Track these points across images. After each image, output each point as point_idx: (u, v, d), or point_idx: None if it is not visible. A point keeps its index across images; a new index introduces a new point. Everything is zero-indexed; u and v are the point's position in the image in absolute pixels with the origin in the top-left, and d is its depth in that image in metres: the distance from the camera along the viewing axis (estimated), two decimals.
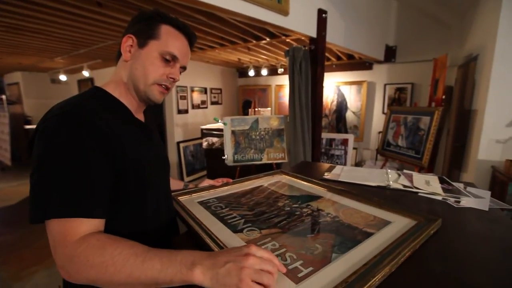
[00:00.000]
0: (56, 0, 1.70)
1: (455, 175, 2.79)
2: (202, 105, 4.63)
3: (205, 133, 3.88)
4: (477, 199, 0.86)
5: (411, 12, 3.58)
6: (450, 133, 3.05)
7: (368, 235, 0.61)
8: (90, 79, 5.12)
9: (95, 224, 0.51)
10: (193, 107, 4.44)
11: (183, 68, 0.71)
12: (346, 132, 4.21)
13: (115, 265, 0.44)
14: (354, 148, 4.03)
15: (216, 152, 3.43)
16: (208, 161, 3.76)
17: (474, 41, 2.65)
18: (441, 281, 0.48)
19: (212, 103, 4.89)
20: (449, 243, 0.60)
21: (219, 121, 2.54)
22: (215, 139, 3.56)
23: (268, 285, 0.41)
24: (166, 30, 0.65)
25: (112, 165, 0.57)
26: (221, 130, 3.50)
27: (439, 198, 0.88)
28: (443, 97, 3.04)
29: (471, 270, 0.51)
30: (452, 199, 0.86)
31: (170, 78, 0.67)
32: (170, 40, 0.66)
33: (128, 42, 0.65)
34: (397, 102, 3.84)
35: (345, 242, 0.59)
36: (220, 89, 5.07)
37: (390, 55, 3.76)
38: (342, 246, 0.57)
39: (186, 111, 4.30)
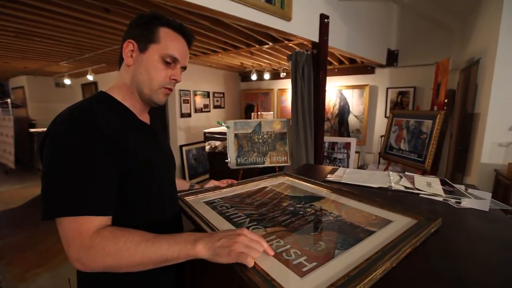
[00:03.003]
0: (65, 6, 1.75)
1: (458, 179, 2.79)
2: (205, 109, 4.67)
3: (208, 137, 3.91)
4: (478, 200, 0.87)
5: (413, 16, 3.62)
6: (453, 136, 3.05)
7: (370, 233, 0.63)
8: (94, 83, 5.19)
9: (105, 220, 0.56)
10: (196, 111, 4.48)
11: (183, 68, 0.74)
12: (348, 135, 4.22)
13: (129, 250, 0.51)
14: (356, 152, 4.04)
15: (219, 156, 3.46)
16: (211, 164, 3.78)
17: (476, 44, 2.67)
18: (441, 276, 0.49)
19: (215, 107, 4.93)
20: (449, 241, 0.62)
21: (223, 124, 2.57)
22: (218, 143, 3.59)
23: (253, 258, 0.49)
24: (165, 33, 0.67)
25: (118, 166, 0.60)
26: (224, 133, 3.53)
27: (440, 199, 0.90)
28: (446, 100, 3.05)
29: (470, 267, 0.53)
30: (453, 200, 0.88)
31: (173, 79, 0.70)
32: (170, 42, 0.68)
33: (129, 47, 0.67)
34: (399, 106, 3.85)
35: (347, 240, 0.60)
36: (223, 93, 5.11)
37: (392, 59, 3.79)
38: (344, 243, 0.59)
39: (189, 115, 4.34)
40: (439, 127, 2.37)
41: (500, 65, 2.03)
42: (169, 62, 0.68)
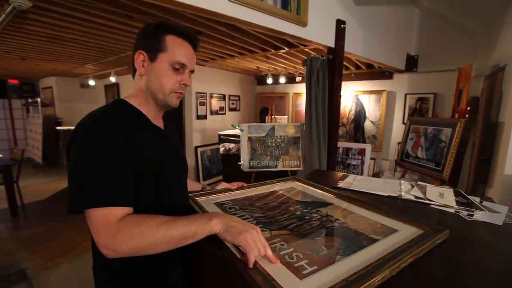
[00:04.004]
0: (92, 14, 1.87)
1: (480, 190, 2.67)
2: (220, 111, 4.75)
3: (223, 139, 3.98)
4: (492, 214, 0.85)
5: (435, 20, 3.51)
6: (475, 146, 2.92)
7: (374, 241, 0.64)
8: (116, 85, 5.43)
9: (127, 210, 0.63)
10: (212, 113, 4.57)
11: (191, 71, 0.78)
12: (364, 141, 4.14)
13: (152, 231, 0.57)
14: (372, 159, 3.96)
15: (233, 158, 3.51)
16: (224, 166, 3.83)
17: (502, 50, 2.56)
18: (441, 286, 0.49)
19: (230, 109, 5.00)
20: (454, 253, 0.61)
21: (237, 127, 2.61)
22: (232, 145, 3.64)
23: (250, 257, 0.52)
24: (171, 41, 0.72)
25: (133, 165, 0.66)
26: (238, 136, 3.58)
27: (452, 210, 0.88)
28: (468, 108, 2.93)
29: (472, 279, 0.52)
30: (465, 212, 0.86)
31: (183, 84, 0.75)
32: (176, 49, 0.72)
33: (140, 58, 0.73)
34: (418, 112, 3.74)
35: (350, 246, 0.61)
36: (239, 96, 5.18)
37: (411, 64, 3.70)
38: (347, 249, 0.60)
39: (204, 117, 4.43)
40: (459, 136, 2.29)
41: None
42: (178, 68, 0.73)
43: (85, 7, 1.75)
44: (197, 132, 4.37)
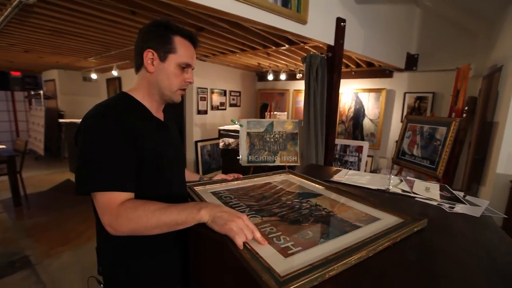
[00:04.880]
0: (96, 8, 1.91)
1: (474, 189, 2.72)
2: (221, 106, 4.79)
3: (223, 134, 4.03)
4: (472, 207, 0.90)
5: (435, 20, 3.53)
6: (471, 145, 2.97)
7: (356, 227, 0.69)
8: (118, 78, 5.47)
9: (129, 195, 0.69)
10: (212, 108, 4.61)
11: (192, 68, 0.86)
12: (362, 139, 4.19)
13: (147, 216, 0.64)
14: (370, 156, 4.01)
15: (232, 153, 3.56)
16: (224, 160, 3.89)
17: (500, 51, 2.59)
18: (412, 268, 0.55)
19: (231, 105, 5.05)
20: (430, 240, 0.67)
21: (236, 122, 2.66)
22: (231, 140, 3.69)
23: (237, 241, 0.57)
24: (179, 42, 0.79)
25: (136, 154, 0.72)
26: (238, 131, 3.62)
27: (435, 203, 0.93)
28: (466, 108, 2.97)
29: (443, 263, 0.58)
30: (447, 205, 0.91)
31: (187, 82, 0.83)
32: (184, 50, 0.80)
33: (149, 56, 0.78)
34: (416, 111, 3.78)
35: (334, 232, 0.67)
36: (239, 92, 5.22)
37: (411, 63, 3.72)
38: (331, 234, 0.65)
39: (205, 112, 4.48)
40: (454, 135, 2.33)
41: None
42: (184, 67, 0.81)
43: (91, 2, 1.79)
44: (198, 127, 4.42)
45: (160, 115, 0.87)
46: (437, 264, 0.57)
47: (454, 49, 3.42)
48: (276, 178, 1.18)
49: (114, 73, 4.58)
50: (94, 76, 5.20)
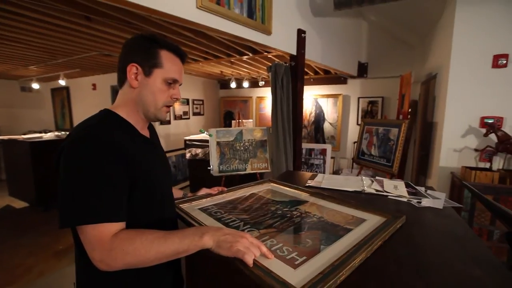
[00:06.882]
0: (37, 11, 1.70)
1: (421, 181, 3.08)
2: (184, 116, 4.66)
3: (189, 144, 3.91)
4: (434, 200, 1.03)
5: (380, 33, 3.96)
6: (416, 143, 3.36)
7: (348, 230, 0.74)
8: (66, 88, 4.97)
9: (121, 225, 0.63)
10: (176, 118, 4.46)
11: (180, 85, 0.83)
12: (324, 142, 4.45)
13: (145, 248, 0.58)
14: (331, 157, 4.27)
15: (200, 163, 3.48)
16: (191, 171, 3.78)
17: (433, 61, 2.99)
18: (405, 262, 0.61)
19: (194, 113, 4.94)
20: (411, 234, 0.75)
21: (205, 132, 2.62)
22: (198, 150, 3.61)
23: (247, 260, 0.56)
24: (165, 56, 0.75)
25: (127, 175, 0.66)
26: (204, 141, 3.57)
27: (405, 199, 1.05)
28: (409, 110, 3.36)
29: (426, 253, 0.66)
30: (415, 200, 1.03)
31: (174, 98, 0.79)
32: (170, 65, 0.76)
33: (132, 71, 0.73)
34: (369, 114, 4.15)
35: (330, 237, 0.71)
36: (202, 100, 5.14)
37: (362, 70, 4.10)
38: (328, 239, 0.69)
39: (168, 122, 4.31)
40: (404, 135, 2.62)
41: (453, 80, 2.32)
42: (171, 83, 0.77)
43: (32, 5, 1.60)
44: (161, 138, 4.18)
45: (146, 133, 0.82)
46: (423, 256, 0.64)
47: (397, 58, 3.87)
48: (260, 188, 1.20)
49: (62, 82, 4.14)
50: (35, 85, 4.63)
